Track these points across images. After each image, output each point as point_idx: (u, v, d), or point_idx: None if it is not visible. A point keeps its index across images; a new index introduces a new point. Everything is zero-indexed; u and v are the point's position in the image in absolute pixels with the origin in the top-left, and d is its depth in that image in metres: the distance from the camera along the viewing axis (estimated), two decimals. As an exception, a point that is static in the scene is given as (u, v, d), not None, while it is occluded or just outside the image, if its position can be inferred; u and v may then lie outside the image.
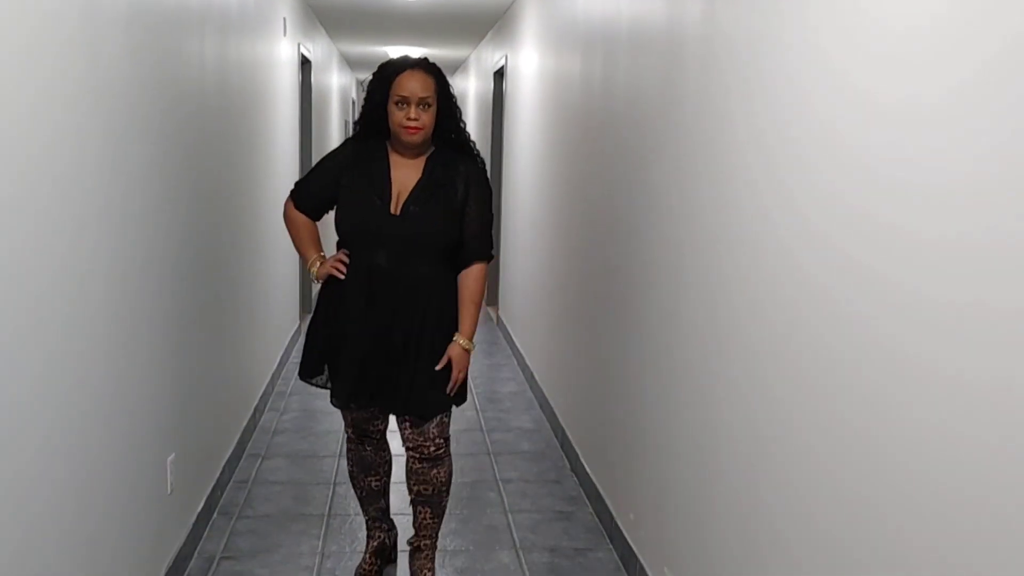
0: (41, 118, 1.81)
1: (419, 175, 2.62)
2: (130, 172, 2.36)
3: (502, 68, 6.85)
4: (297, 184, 2.84)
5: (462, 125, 2.70)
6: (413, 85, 2.56)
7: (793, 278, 1.85)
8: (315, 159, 7.09)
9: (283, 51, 5.42)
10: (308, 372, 2.75)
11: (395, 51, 9.75)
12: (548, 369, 4.80)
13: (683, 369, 2.52)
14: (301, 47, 6.20)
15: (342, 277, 2.61)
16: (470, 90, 9.83)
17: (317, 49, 7.34)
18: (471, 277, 2.65)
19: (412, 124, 2.55)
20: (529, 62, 5.63)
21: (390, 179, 2.61)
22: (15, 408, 1.71)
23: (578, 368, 4.01)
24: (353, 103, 13.02)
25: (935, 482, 1.39)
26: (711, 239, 2.31)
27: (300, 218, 2.77)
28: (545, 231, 4.96)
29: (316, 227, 2.79)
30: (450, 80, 2.76)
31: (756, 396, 2.03)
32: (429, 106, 2.58)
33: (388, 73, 2.60)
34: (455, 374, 2.62)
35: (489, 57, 7.80)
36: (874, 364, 1.55)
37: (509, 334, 6.26)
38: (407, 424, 2.70)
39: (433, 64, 2.65)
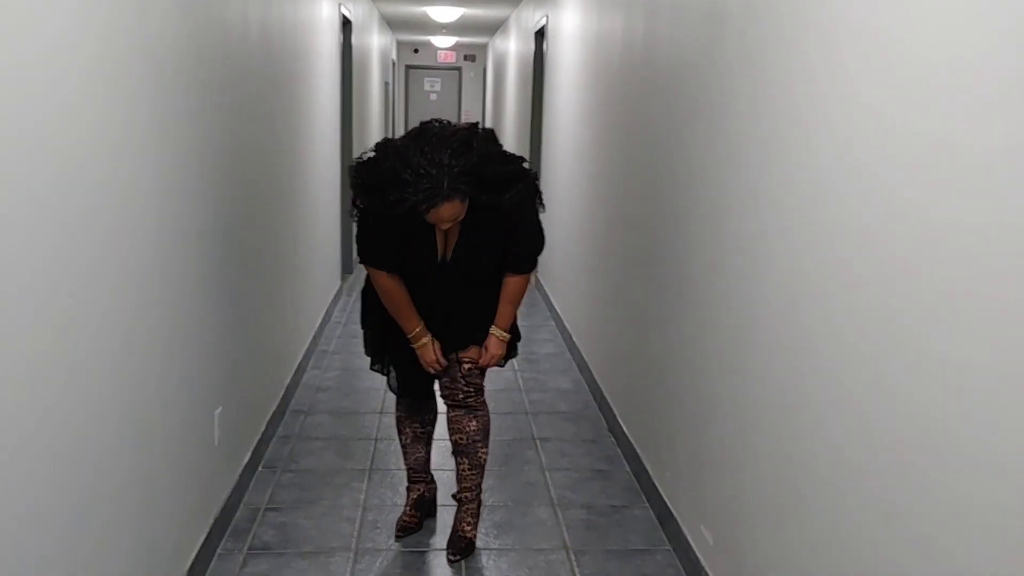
0: (95, 79, 1.85)
1: (463, 221, 2.59)
2: (179, 133, 2.40)
3: (543, 28, 6.80)
4: (365, 253, 2.72)
5: (504, 167, 2.54)
6: (443, 216, 2.46)
7: (837, 231, 1.85)
8: (356, 121, 7.13)
9: (324, 12, 5.43)
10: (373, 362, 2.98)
11: (435, 11, 9.72)
12: (586, 331, 4.82)
13: (722, 330, 2.53)
14: (341, 7, 6.21)
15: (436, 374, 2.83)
16: (510, 50, 9.77)
17: (357, 10, 7.34)
18: (513, 282, 2.78)
19: (446, 227, 2.57)
20: (570, 22, 5.59)
21: (435, 230, 2.63)
22: (77, 364, 1.78)
23: (616, 330, 4.03)
24: (393, 64, 13.02)
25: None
26: (752, 199, 2.30)
27: (392, 285, 2.70)
28: (584, 193, 4.95)
29: (406, 290, 2.74)
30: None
31: (795, 355, 2.04)
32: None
33: (406, 209, 2.41)
34: (486, 358, 2.81)
35: (530, 17, 7.75)
36: (901, 334, 1.55)
37: (548, 296, 6.29)
38: (444, 370, 2.81)
39: (459, 180, 2.39)
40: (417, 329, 2.73)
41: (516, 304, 2.82)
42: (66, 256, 1.74)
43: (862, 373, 1.72)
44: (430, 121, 2.52)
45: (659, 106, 3.29)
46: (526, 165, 2.61)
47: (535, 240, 2.75)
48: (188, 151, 2.50)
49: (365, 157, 2.54)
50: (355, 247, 2.83)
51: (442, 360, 2.77)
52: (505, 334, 2.82)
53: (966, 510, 1.41)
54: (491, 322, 2.80)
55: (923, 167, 1.53)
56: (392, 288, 2.70)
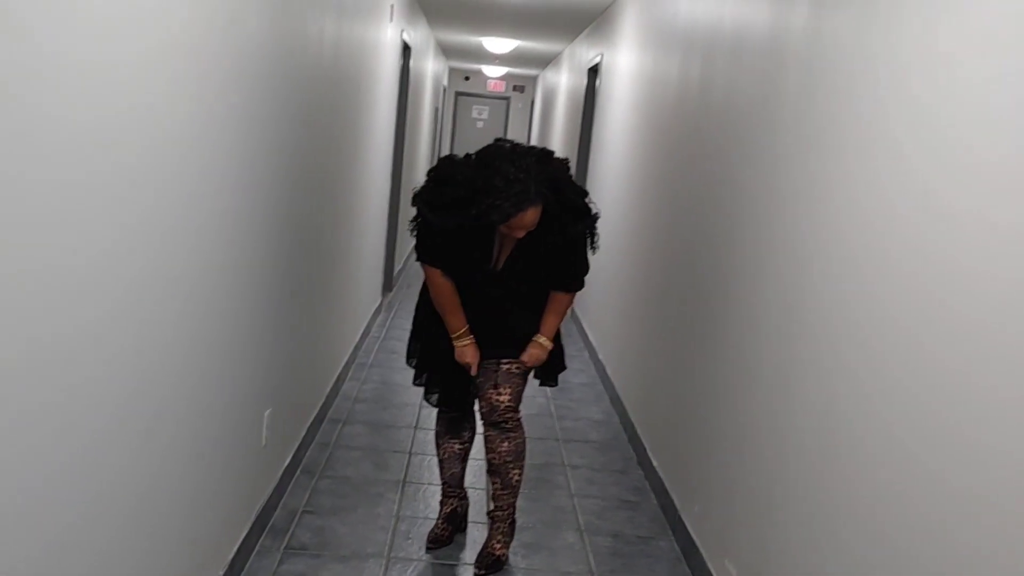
0: (191, 76, 1.98)
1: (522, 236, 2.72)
2: (256, 139, 2.53)
3: (597, 65, 6.93)
4: (423, 251, 2.84)
5: (574, 198, 2.70)
6: (526, 222, 2.59)
7: (886, 286, 1.92)
8: (407, 143, 7.30)
9: (388, 36, 5.61)
10: (416, 376, 3.09)
11: (491, 42, 9.91)
12: (620, 363, 4.89)
13: (758, 372, 2.60)
14: (404, 33, 6.39)
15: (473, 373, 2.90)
16: (561, 84, 9.93)
17: (417, 36, 7.54)
18: (559, 297, 2.92)
19: (521, 235, 2.68)
20: (625, 61, 5.71)
21: (494, 239, 2.78)
22: (150, 366, 1.89)
23: (650, 364, 4.10)
24: (444, 90, 13.24)
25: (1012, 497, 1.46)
26: (799, 247, 2.38)
27: (445, 283, 2.83)
28: (626, 227, 5.04)
29: (456, 291, 2.86)
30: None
31: (837, 396, 2.10)
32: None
33: (489, 218, 2.56)
34: (530, 361, 2.92)
35: (584, 53, 7.89)
36: (950, 374, 1.62)
37: (583, 327, 6.36)
38: (483, 388, 2.90)
39: (543, 186, 2.57)
40: (461, 329, 2.86)
41: (560, 317, 2.94)
42: (146, 256, 1.86)
43: (908, 413, 1.78)
44: (503, 139, 2.70)
45: (710, 150, 3.39)
46: (591, 203, 2.76)
47: (583, 265, 2.88)
48: (262, 158, 2.63)
49: (432, 179, 2.67)
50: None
51: (476, 365, 2.87)
52: (548, 342, 2.92)
53: (1019, 549, 1.46)
54: (528, 331, 2.90)
55: (963, 232, 1.61)
56: (444, 286, 2.83)
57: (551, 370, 3.04)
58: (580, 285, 2.93)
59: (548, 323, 2.92)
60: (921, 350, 1.72)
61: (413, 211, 2.78)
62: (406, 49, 6.79)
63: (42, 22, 1.36)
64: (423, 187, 2.72)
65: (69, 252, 1.51)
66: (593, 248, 2.84)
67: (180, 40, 1.90)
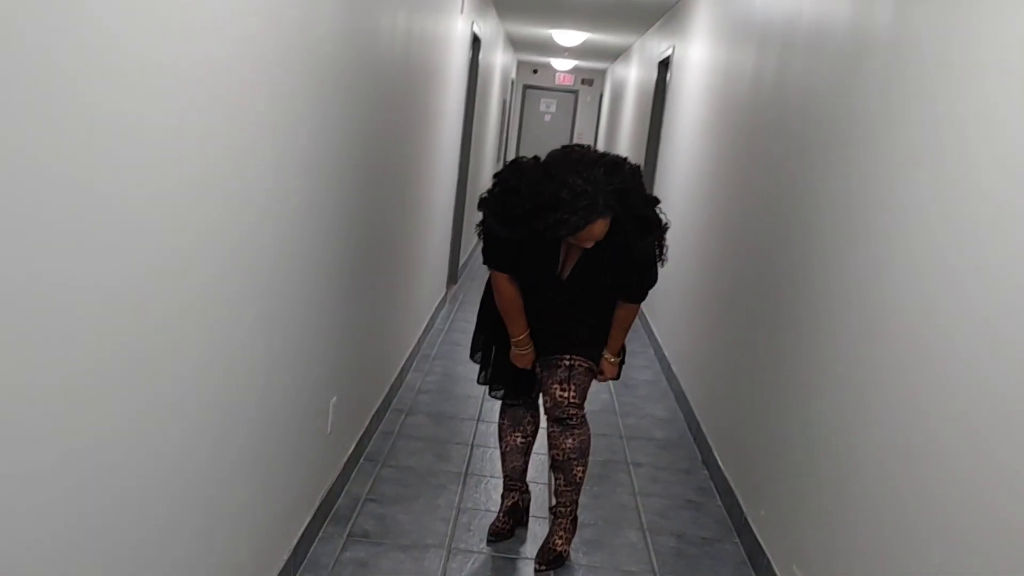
0: (263, 70, 2.00)
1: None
2: (328, 131, 2.55)
3: (668, 58, 6.84)
4: (490, 257, 2.83)
5: (644, 209, 2.64)
6: (594, 234, 2.55)
7: (952, 294, 1.85)
8: (475, 136, 7.31)
9: (458, 28, 5.61)
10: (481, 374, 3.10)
11: (561, 35, 9.87)
12: (686, 361, 4.82)
13: (832, 375, 2.52)
14: (474, 25, 6.39)
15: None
16: (630, 77, 9.84)
17: (487, 28, 7.54)
18: (625, 309, 2.91)
19: (589, 245, 2.64)
20: (698, 54, 5.62)
21: (560, 248, 2.75)
22: (233, 355, 1.92)
23: (718, 364, 4.03)
24: (512, 83, 13.24)
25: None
26: (882, 247, 2.30)
27: (510, 289, 2.82)
28: (696, 223, 4.97)
29: (521, 296, 2.84)
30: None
31: (904, 408, 2.03)
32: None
33: (556, 232, 2.51)
34: (602, 379, 2.99)
35: (655, 46, 7.80)
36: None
37: (649, 324, 6.30)
38: (548, 384, 2.88)
39: (611, 198, 2.50)
40: (522, 335, 2.85)
41: (625, 332, 2.95)
42: (224, 244, 1.89)
43: (997, 416, 1.71)
44: (572, 145, 2.62)
45: (786, 149, 3.30)
46: (661, 214, 2.70)
47: (651, 276, 2.84)
48: (334, 149, 2.65)
49: (498, 188, 2.65)
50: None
51: (529, 369, 2.91)
52: (615, 358, 2.96)
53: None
54: (591, 338, 2.89)
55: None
56: (509, 292, 2.82)
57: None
58: (644, 297, 2.89)
59: (616, 338, 2.93)
60: (1013, 351, 1.65)
61: (479, 215, 2.77)
62: (476, 41, 6.79)
63: (127, 26, 1.38)
64: (489, 194, 2.69)
65: (163, 243, 1.56)
66: (662, 261, 2.79)
67: (258, 40, 1.91)
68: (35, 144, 1.19)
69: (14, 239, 1.16)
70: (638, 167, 2.66)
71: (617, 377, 3.03)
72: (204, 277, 1.78)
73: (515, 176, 2.61)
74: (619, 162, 2.58)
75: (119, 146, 1.40)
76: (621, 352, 2.99)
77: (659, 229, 2.69)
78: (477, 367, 3.11)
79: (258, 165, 2.01)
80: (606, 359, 2.94)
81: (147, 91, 1.47)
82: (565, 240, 2.68)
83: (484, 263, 2.89)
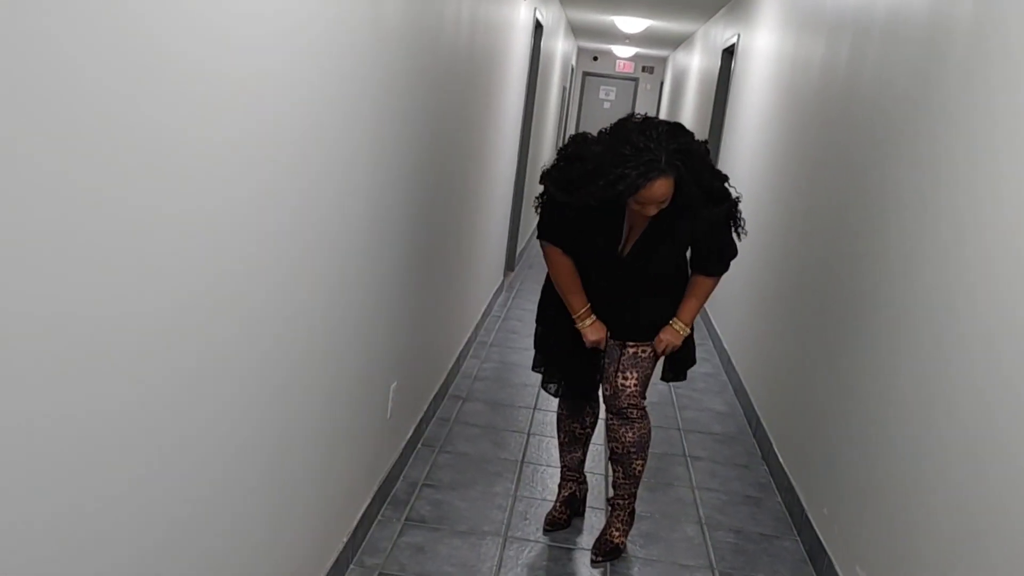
0: (334, 54, 2.01)
1: (652, 219, 2.62)
2: (395, 120, 2.56)
3: (732, 46, 6.73)
4: (544, 228, 2.79)
5: (712, 180, 2.56)
6: (656, 194, 2.44)
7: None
8: (535, 123, 7.28)
9: (521, 15, 5.59)
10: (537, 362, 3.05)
11: (623, 21, 9.78)
12: (746, 355, 4.75)
13: (899, 375, 2.46)
14: (537, 12, 6.36)
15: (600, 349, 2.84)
16: (693, 65, 9.71)
17: (549, 14, 7.49)
18: (702, 279, 2.81)
19: (652, 212, 2.55)
20: (764, 42, 5.51)
21: (623, 222, 2.68)
22: (297, 340, 1.94)
23: (780, 359, 3.96)
24: (572, 70, 13.16)
25: None
26: (952, 242, 2.23)
27: (565, 261, 2.77)
28: (759, 217, 4.88)
29: (576, 271, 2.80)
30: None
31: (975, 410, 1.97)
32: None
33: (615, 189, 2.40)
34: (661, 347, 2.82)
35: (719, 34, 7.68)
36: None
37: (708, 316, 6.22)
38: (609, 371, 2.84)
39: (675, 157, 2.41)
40: (582, 309, 2.78)
41: (702, 301, 2.83)
42: (305, 239, 1.90)
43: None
44: (634, 113, 2.59)
45: (857, 139, 3.22)
46: (730, 188, 2.63)
47: (730, 249, 2.77)
48: (400, 139, 2.65)
49: (561, 157, 2.62)
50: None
51: (603, 341, 2.80)
52: (684, 328, 2.82)
53: None
54: (655, 319, 2.81)
55: None
56: (564, 264, 2.77)
57: (680, 363, 2.96)
58: (724, 268, 2.80)
59: (688, 307, 2.80)
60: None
61: (540, 189, 2.74)
62: (538, 28, 6.76)
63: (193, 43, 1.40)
64: (552, 165, 2.67)
65: (239, 243, 1.59)
66: (739, 233, 2.71)
67: (325, 42, 1.92)
68: (132, 159, 1.21)
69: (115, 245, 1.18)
70: (705, 141, 2.62)
71: (683, 376, 2.97)
72: (277, 277, 1.82)
73: (579, 144, 2.58)
74: (683, 127, 2.53)
75: (198, 161, 1.42)
76: (689, 349, 2.90)
77: (730, 201, 2.62)
78: (533, 354, 3.09)
79: (328, 160, 2.03)
80: (672, 325, 2.80)
81: (223, 104, 1.48)
82: (629, 212, 2.62)
83: (538, 237, 2.84)
